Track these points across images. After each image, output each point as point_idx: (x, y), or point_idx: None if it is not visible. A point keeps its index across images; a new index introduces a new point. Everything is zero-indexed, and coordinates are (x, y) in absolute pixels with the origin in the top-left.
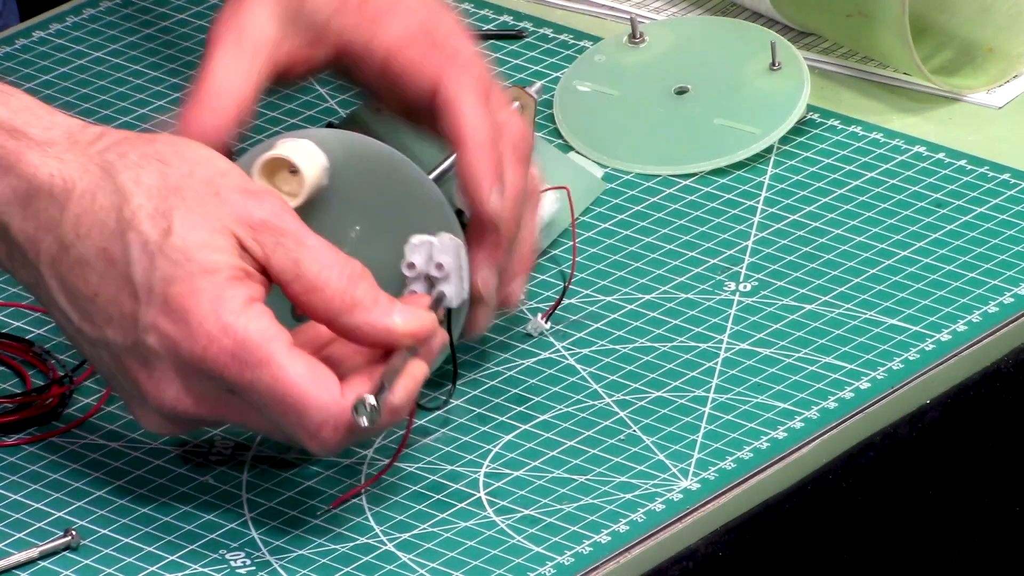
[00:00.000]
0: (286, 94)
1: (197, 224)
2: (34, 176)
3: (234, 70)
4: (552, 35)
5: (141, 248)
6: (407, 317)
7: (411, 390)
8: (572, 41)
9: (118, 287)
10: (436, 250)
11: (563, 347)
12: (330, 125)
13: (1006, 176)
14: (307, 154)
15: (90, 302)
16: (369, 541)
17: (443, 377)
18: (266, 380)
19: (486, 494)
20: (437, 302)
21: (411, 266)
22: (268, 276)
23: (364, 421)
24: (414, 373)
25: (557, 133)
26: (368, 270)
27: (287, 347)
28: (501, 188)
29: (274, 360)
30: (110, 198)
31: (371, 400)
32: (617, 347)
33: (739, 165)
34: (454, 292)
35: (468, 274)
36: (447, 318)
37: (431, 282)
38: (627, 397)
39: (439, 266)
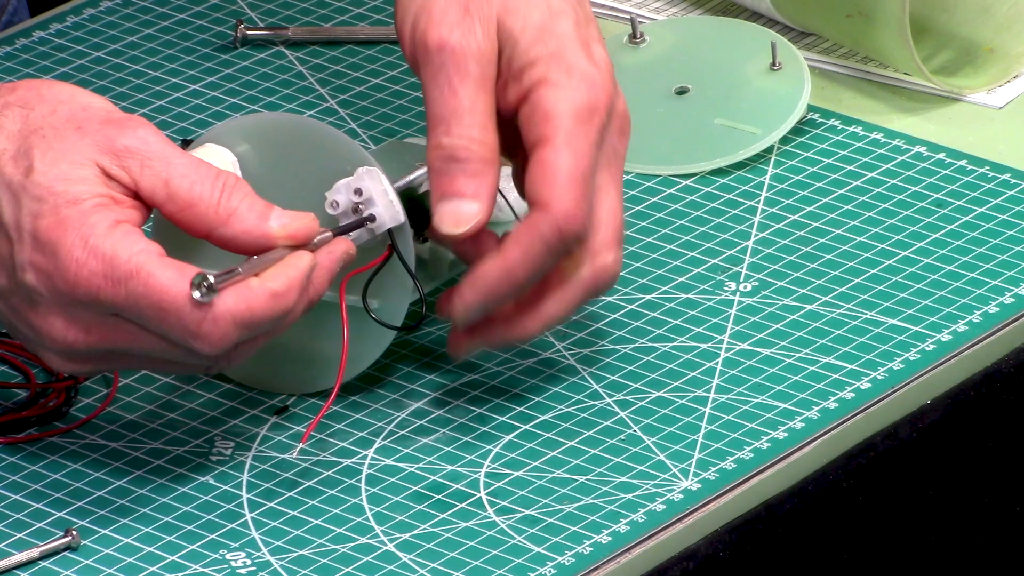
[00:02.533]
0: (286, 94)
1: (57, 159)
2: None
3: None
4: None
5: (6, 189)
6: (284, 221)
7: (292, 278)
8: None
9: None
10: (353, 181)
11: (563, 347)
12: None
13: (1006, 176)
14: (213, 156)
15: None
16: (369, 541)
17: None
18: (139, 290)
19: (486, 494)
20: (359, 224)
21: (335, 204)
22: (142, 201)
23: (197, 294)
24: (297, 264)
25: None
26: (244, 180)
27: (156, 256)
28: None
29: (143, 269)
30: None
31: (209, 277)
32: (618, 347)
33: (739, 165)
34: (385, 212)
35: (396, 196)
36: (392, 241)
37: (360, 212)
38: (627, 397)
39: (358, 191)
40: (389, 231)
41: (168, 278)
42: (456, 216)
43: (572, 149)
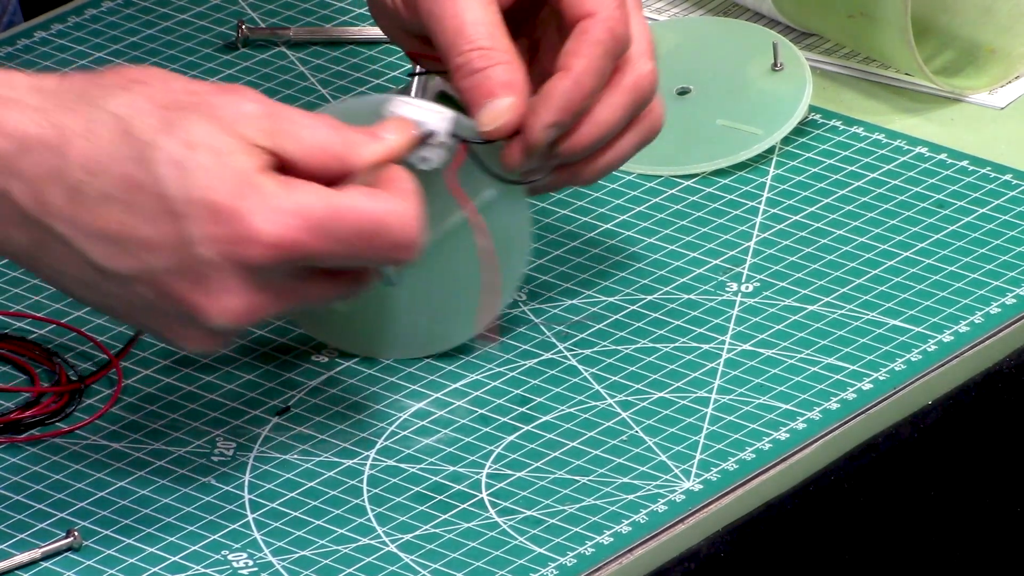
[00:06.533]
0: (288, 94)
1: (210, 130)
2: (24, 132)
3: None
4: None
5: (167, 163)
6: (393, 130)
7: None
8: None
9: (152, 210)
10: (422, 113)
11: (565, 348)
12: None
13: (1008, 177)
14: (430, 112)
15: (121, 236)
16: (371, 542)
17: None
18: (345, 227)
19: (488, 495)
20: (419, 140)
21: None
22: (278, 158)
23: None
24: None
25: None
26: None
27: (355, 191)
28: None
29: (340, 206)
30: (109, 129)
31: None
32: (619, 348)
33: (741, 166)
34: (436, 124)
35: (432, 103)
36: (461, 139)
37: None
38: (629, 398)
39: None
40: (455, 136)
41: (364, 203)
42: (493, 113)
43: None
